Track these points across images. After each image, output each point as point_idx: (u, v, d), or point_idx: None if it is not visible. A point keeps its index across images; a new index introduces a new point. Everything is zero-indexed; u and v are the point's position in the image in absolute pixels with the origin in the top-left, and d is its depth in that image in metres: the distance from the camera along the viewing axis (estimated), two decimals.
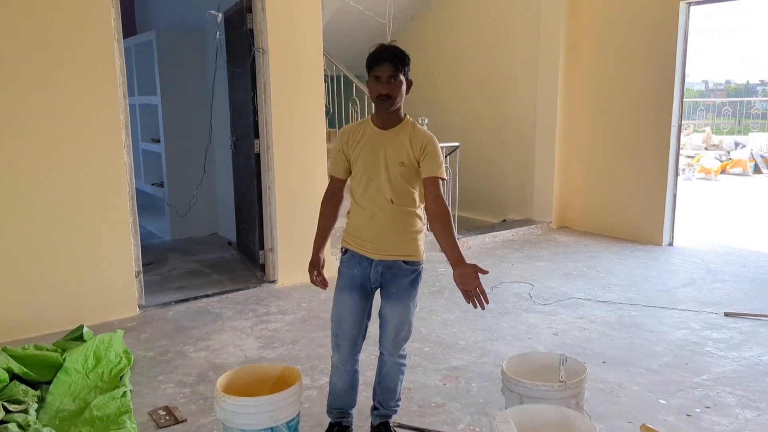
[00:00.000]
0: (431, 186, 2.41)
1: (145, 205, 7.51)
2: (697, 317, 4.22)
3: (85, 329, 3.69)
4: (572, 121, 6.73)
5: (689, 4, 5.73)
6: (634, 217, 6.30)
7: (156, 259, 5.87)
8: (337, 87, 6.93)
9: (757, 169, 11.88)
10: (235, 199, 5.75)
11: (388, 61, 2.31)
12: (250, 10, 4.75)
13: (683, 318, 4.20)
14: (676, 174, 6.05)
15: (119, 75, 4.16)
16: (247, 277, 5.26)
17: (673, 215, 6.11)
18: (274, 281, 5.05)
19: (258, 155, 4.96)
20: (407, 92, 2.40)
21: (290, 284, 5.04)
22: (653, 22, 5.90)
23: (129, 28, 8.05)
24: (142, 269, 4.46)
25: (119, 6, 4.15)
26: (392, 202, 2.41)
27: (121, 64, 4.17)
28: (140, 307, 4.45)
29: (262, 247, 5.07)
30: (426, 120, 5.72)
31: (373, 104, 2.39)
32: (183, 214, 5.97)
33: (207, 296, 4.77)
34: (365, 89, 6.81)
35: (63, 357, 3.34)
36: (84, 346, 3.43)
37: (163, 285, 5.09)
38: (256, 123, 4.90)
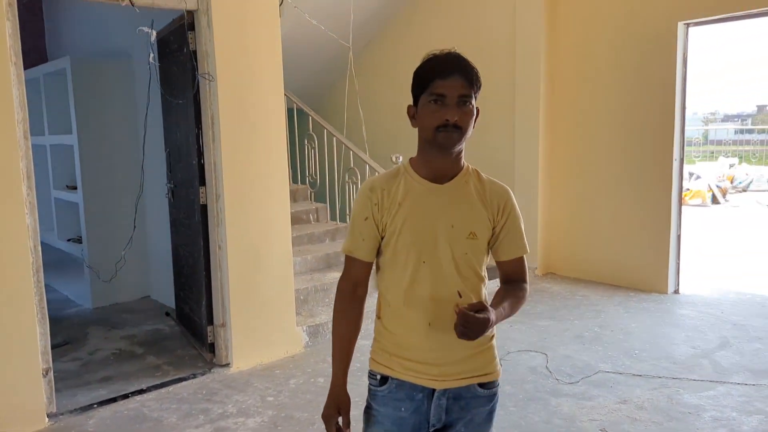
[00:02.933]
0: (519, 266, 1.71)
1: (60, 264, 6.30)
2: (759, 393, 3.47)
3: None
4: (556, 157, 6.03)
5: (688, 25, 5.16)
6: (632, 261, 5.61)
7: (73, 336, 4.69)
8: (289, 121, 6.01)
9: (714, 200, 11.67)
10: (173, 259, 4.68)
11: (459, 74, 1.54)
12: (192, 27, 3.79)
13: (745, 395, 3.44)
14: (680, 213, 5.41)
15: (18, 110, 3.10)
16: (192, 359, 4.18)
17: (678, 260, 5.45)
18: (227, 365, 4.00)
19: (204, 206, 3.96)
20: (474, 123, 1.61)
21: (247, 368, 4.00)
22: (647, 46, 5.29)
23: (39, 54, 6.91)
24: (51, 365, 3.33)
25: (17, 20, 3.12)
26: (460, 295, 1.60)
27: (21, 94, 3.12)
28: (50, 416, 3.31)
29: (210, 321, 4.02)
30: (401, 157, 4.86)
31: (425, 140, 1.61)
32: (107, 279, 4.84)
33: (141, 392, 3.67)
34: (324, 123, 5.94)
35: None
36: None
37: (82, 376, 3.95)
38: (201, 166, 3.91)
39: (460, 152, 1.63)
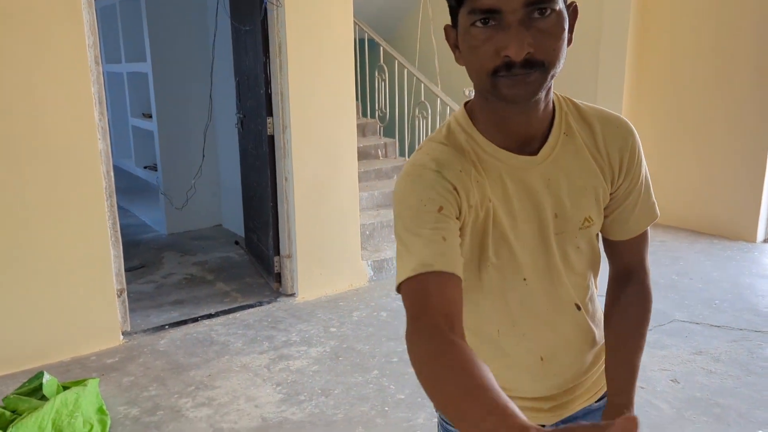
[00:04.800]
0: (644, 243, 1.16)
1: (138, 190, 6.54)
2: None
3: (46, 378, 2.70)
4: (642, 94, 5.64)
5: None
6: (719, 207, 5.25)
7: (148, 260, 4.87)
8: (360, 51, 5.86)
9: None
10: (243, 189, 4.73)
11: None
12: None
13: None
14: None
15: (88, 34, 3.12)
16: (260, 287, 4.26)
17: None
18: (293, 294, 4.06)
19: (272, 137, 3.93)
20: (569, 40, 0.94)
21: (312, 298, 4.05)
22: None
23: None
24: (125, 286, 3.46)
25: None
26: (579, 308, 1.13)
27: (91, 19, 3.13)
28: (124, 334, 3.47)
29: (277, 252, 4.06)
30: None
31: (481, 89, 0.98)
32: (180, 206, 4.96)
33: (210, 316, 3.79)
34: (395, 54, 5.76)
35: (11, 428, 2.38)
36: (39, 413, 2.46)
37: (156, 298, 4.10)
38: (268, 96, 3.86)
39: (549, 90, 1.00)
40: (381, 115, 5.97)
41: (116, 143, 6.41)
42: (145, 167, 6.02)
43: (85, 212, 3.19)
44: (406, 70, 5.63)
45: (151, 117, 5.57)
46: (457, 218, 0.97)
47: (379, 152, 5.81)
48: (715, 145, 5.21)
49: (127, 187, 6.51)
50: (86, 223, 3.21)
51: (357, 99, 6.00)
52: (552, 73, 0.92)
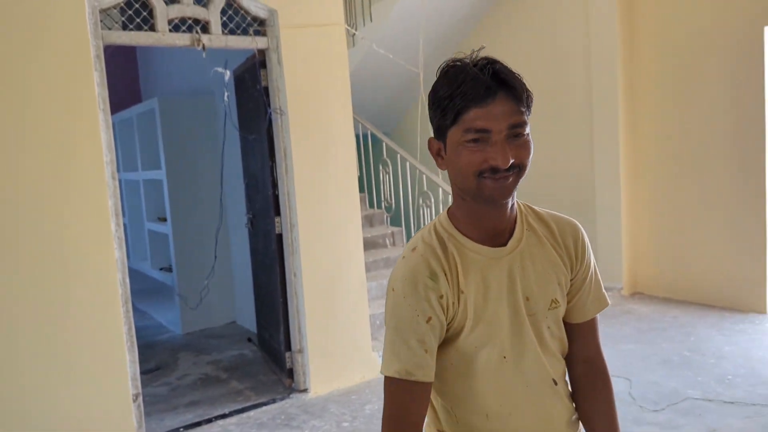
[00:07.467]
0: (596, 327, 1.37)
1: (154, 292, 6.69)
2: None
3: None
4: (639, 170, 5.81)
5: None
6: (727, 279, 5.28)
7: (164, 361, 4.95)
8: (364, 146, 6.13)
9: None
10: (254, 287, 4.86)
11: (505, 93, 1.12)
12: (264, 65, 3.97)
13: None
14: None
15: (106, 152, 3.35)
16: (272, 383, 4.31)
17: None
18: (305, 390, 4.09)
19: (280, 236, 4.09)
20: None
21: (325, 393, 4.08)
22: (731, 53, 5.03)
23: (134, 96, 7.41)
24: (140, 391, 3.53)
25: (104, 70, 3.37)
26: (556, 383, 1.29)
27: (108, 138, 3.37)
28: None
29: (288, 347, 4.13)
30: None
31: (463, 191, 1.19)
32: (194, 306, 5.08)
33: (224, 416, 3.82)
34: (397, 148, 6.02)
35: None
36: None
37: (171, 401, 4.15)
38: (276, 197, 4.06)
39: (514, 196, 1.22)
40: (387, 205, 6.16)
41: (133, 247, 6.64)
42: (161, 269, 6.20)
43: (102, 318, 3.32)
44: (408, 163, 5.87)
45: (165, 220, 5.80)
46: (442, 322, 1.18)
47: (387, 241, 5.96)
48: (717, 219, 5.30)
49: (144, 288, 6.68)
50: (102, 328, 3.33)
51: (363, 191, 6.23)
52: (523, 176, 1.17)
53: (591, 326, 1.35)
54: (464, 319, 1.20)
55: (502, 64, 1.15)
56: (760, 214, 5.01)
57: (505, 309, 1.21)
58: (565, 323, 1.33)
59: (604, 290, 1.35)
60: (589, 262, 1.31)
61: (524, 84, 1.15)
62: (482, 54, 1.16)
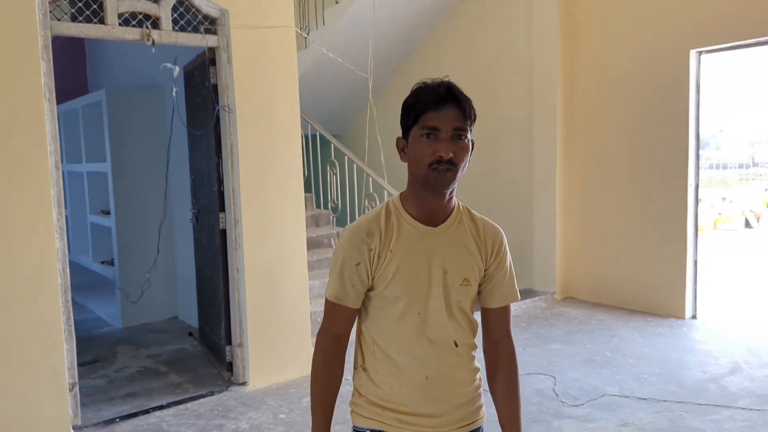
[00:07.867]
0: (507, 315, 1.68)
1: (94, 285, 6.61)
2: (763, 418, 3.48)
3: None
4: (574, 181, 6.11)
5: (700, 52, 5.22)
6: (650, 287, 5.62)
7: (102, 355, 4.94)
8: (312, 148, 6.24)
9: (747, 224, 11.47)
10: (197, 281, 4.90)
11: (454, 105, 1.47)
12: (213, 62, 4.04)
13: (749, 420, 3.45)
14: (696, 238, 5.42)
15: (50, 141, 3.37)
16: (212, 377, 4.37)
17: (695, 284, 5.44)
18: (244, 383, 4.17)
19: (224, 231, 4.17)
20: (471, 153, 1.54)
21: (263, 386, 4.16)
22: (660, 74, 5.37)
23: (81, 87, 7.31)
24: (77, 381, 3.55)
25: (51, 60, 3.39)
26: (457, 345, 1.59)
27: (53, 128, 3.39)
28: (75, 429, 3.52)
29: (229, 341, 4.21)
30: None
31: (415, 178, 1.52)
32: (135, 300, 5.09)
33: (161, 408, 3.86)
34: (345, 150, 6.15)
35: None
36: None
37: (108, 392, 4.16)
38: (221, 193, 4.13)
39: (453, 190, 1.55)
40: (333, 206, 6.28)
41: (74, 240, 6.55)
42: (102, 262, 6.15)
43: (41, 307, 3.33)
44: (355, 165, 6.01)
45: (109, 213, 5.77)
46: (369, 269, 1.54)
47: (332, 241, 6.08)
48: (643, 230, 5.63)
49: (84, 282, 6.58)
50: (41, 317, 3.34)
51: (310, 191, 6.34)
52: (460, 173, 1.49)
53: (502, 313, 1.67)
54: (387, 272, 1.54)
55: (455, 85, 1.50)
56: (681, 226, 5.36)
57: (425, 273, 1.54)
58: (483, 309, 1.67)
59: (516, 287, 1.67)
60: (504, 261, 1.63)
61: (471, 102, 1.50)
62: (446, 80, 1.53)
